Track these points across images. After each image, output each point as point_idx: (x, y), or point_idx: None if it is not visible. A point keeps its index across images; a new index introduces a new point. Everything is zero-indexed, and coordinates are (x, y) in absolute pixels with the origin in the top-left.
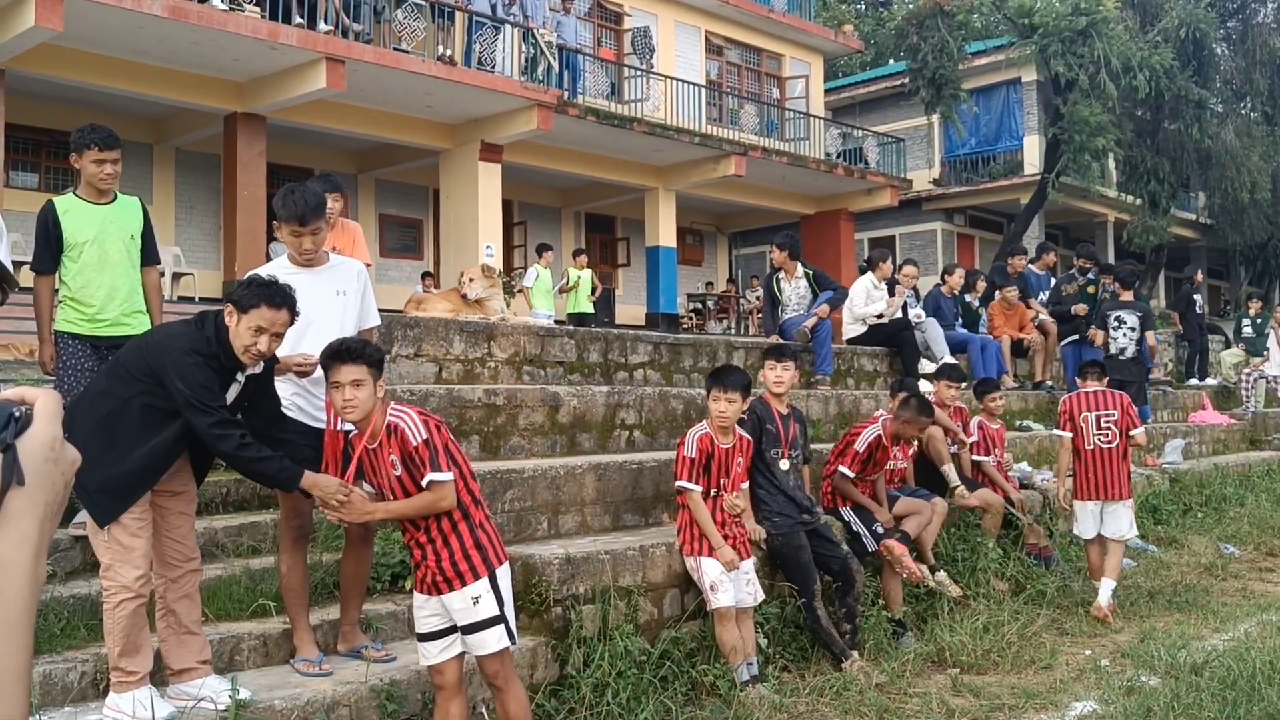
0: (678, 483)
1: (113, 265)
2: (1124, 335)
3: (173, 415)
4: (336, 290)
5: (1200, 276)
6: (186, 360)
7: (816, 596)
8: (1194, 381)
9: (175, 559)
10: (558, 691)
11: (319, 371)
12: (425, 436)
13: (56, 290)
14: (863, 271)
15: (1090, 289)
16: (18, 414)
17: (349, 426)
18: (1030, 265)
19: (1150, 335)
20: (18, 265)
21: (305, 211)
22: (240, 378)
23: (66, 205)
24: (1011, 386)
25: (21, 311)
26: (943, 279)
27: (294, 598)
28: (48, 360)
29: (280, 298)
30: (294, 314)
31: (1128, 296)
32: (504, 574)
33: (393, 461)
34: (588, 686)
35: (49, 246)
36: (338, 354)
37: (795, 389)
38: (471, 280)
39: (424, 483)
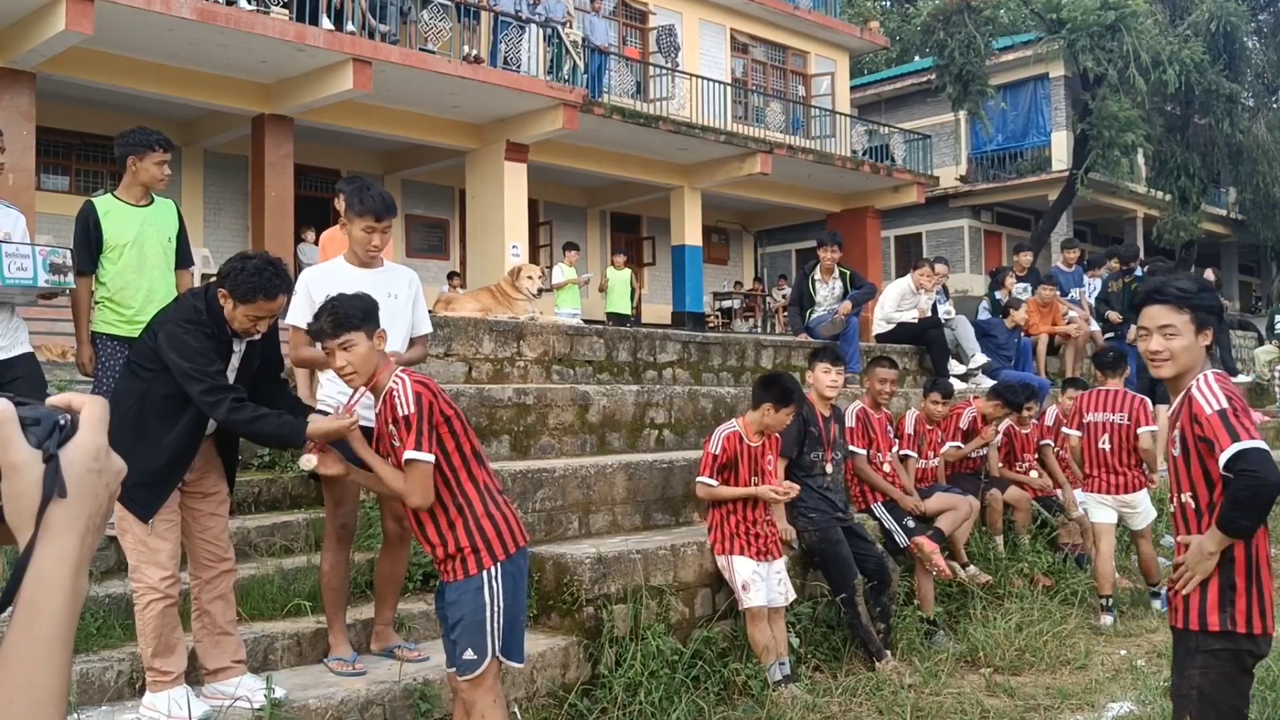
0: (698, 479)
1: (151, 267)
2: None
3: (189, 399)
4: (389, 293)
5: (1211, 275)
6: (178, 331)
7: (857, 592)
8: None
9: (208, 560)
10: (590, 691)
11: None
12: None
13: (94, 291)
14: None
15: (1134, 286)
16: (63, 422)
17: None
18: (1057, 263)
19: None
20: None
21: (383, 208)
22: (238, 347)
23: (107, 206)
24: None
25: (54, 313)
26: (999, 303)
27: (333, 597)
28: (86, 362)
29: (276, 287)
30: (290, 293)
31: None
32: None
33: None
34: (620, 686)
35: (88, 247)
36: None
37: None
38: (541, 276)
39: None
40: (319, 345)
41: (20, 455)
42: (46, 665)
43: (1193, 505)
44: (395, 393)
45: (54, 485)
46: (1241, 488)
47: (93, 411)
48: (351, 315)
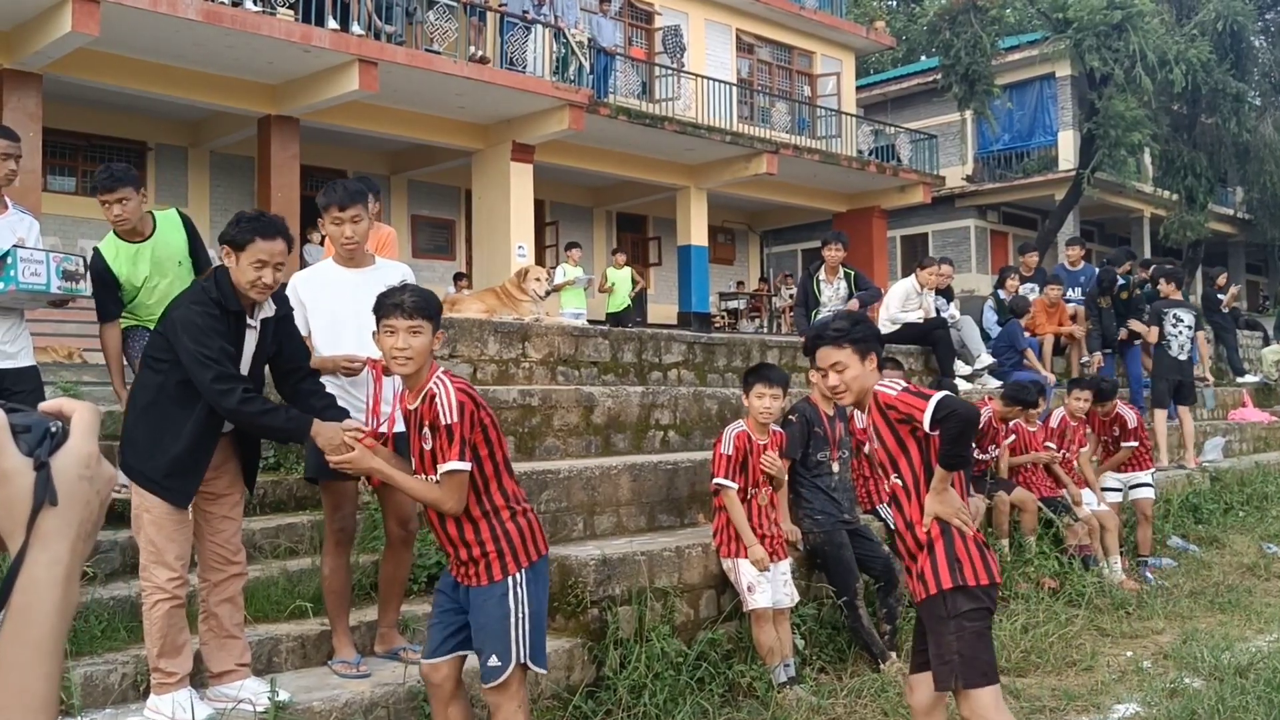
0: (715, 480)
1: (174, 293)
2: (1183, 333)
3: None
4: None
5: (1224, 279)
6: (187, 312)
7: (858, 596)
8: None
9: (217, 562)
10: (594, 693)
11: (362, 373)
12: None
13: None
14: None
15: (1124, 296)
16: (54, 429)
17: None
18: (1061, 262)
19: (1200, 335)
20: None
21: (344, 196)
22: (253, 322)
23: (113, 251)
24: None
25: (61, 314)
26: (1003, 303)
27: (335, 600)
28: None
29: (272, 227)
30: (290, 241)
31: (1178, 295)
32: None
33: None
34: (624, 688)
35: (109, 293)
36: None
37: None
38: (548, 279)
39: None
40: (380, 322)
41: (11, 463)
42: (37, 671)
43: (901, 485)
44: (438, 398)
45: (45, 493)
46: (950, 426)
47: (83, 418)
48: (431, 304)
